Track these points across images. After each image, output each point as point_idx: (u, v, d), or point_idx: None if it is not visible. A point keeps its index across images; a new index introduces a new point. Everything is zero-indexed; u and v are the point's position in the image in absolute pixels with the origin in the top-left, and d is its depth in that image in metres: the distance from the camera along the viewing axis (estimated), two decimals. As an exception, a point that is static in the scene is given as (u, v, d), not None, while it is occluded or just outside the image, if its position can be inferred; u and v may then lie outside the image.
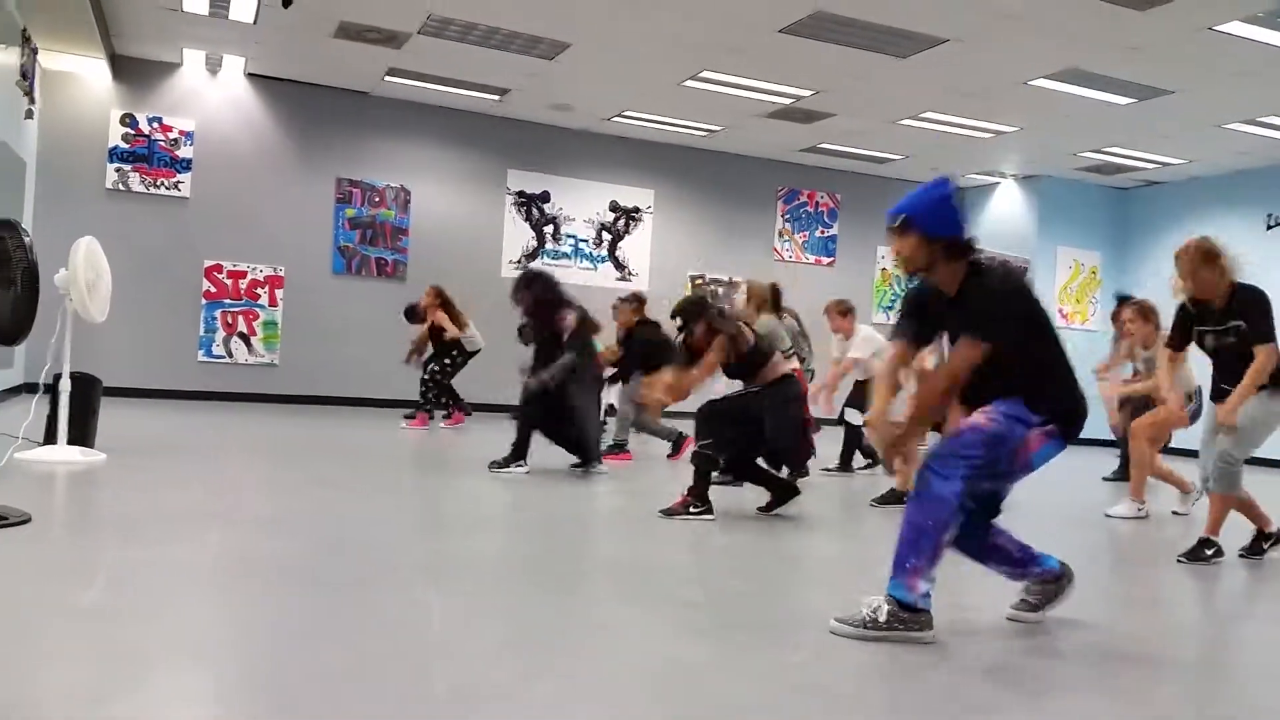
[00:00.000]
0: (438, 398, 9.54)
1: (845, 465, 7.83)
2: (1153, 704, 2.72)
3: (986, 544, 3.31)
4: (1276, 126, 10.20)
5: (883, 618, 2.96)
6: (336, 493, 5.31)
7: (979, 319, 3.08)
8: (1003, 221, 13.90)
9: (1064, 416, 3.13)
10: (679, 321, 5.49)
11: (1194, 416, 6.26)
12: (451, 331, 9.39)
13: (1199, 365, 5.39)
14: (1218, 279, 4.53)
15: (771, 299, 7.12)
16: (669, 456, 7.92)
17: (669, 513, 5.12)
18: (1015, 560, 3.33)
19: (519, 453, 6.47)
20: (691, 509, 5.13)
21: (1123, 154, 11.93)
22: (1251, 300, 4.52)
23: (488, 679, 2.45)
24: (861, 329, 7.74)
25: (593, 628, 3.06)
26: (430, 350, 9.66)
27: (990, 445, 3.02)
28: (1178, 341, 4.85)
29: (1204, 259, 4.52)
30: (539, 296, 6.72)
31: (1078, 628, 3.33)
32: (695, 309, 5.48)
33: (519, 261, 12.17)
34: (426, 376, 9.49)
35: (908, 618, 2.96)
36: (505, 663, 2.59)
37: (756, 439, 5.31)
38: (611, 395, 8.38)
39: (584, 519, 5.31)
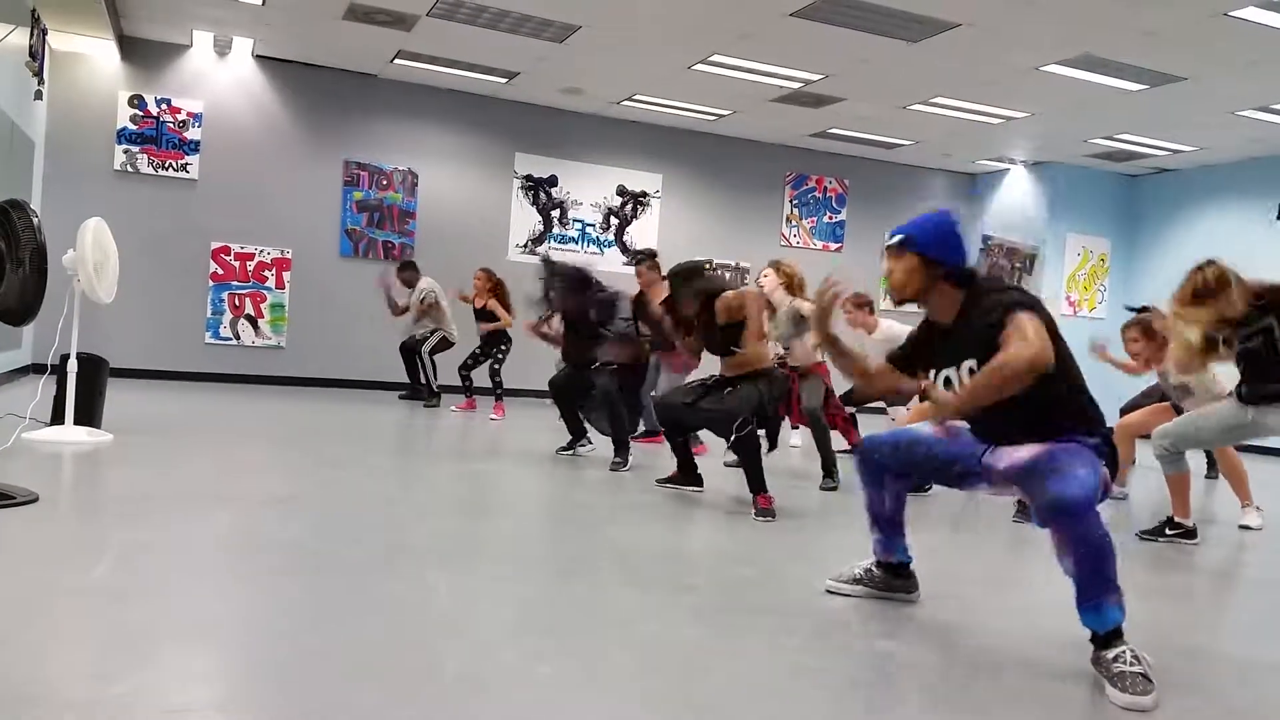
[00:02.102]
0: (468, 380, 9.57)
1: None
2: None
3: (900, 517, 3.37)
4: (1290, 114, 10.13)
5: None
6: (343, 475, 5.33)
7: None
8: (1012, 208, 13.86)
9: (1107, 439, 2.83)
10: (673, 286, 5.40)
11: None
12: (504, 319, 9.29)
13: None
14: (1238, 293, 4.39)
15: (797, 287, 6.70)
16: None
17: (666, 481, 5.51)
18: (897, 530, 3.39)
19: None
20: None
21: (1134, 141, 11.85)
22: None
23: (494, 661, 2.46)
24: (884, 323, 7.25)
25: (598, 611, 3.07)
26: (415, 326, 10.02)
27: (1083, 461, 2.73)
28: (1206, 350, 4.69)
29: (1222, 283, 4.39)
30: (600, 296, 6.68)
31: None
32: (691, 276, 5.27)
33: (525, 245, 12.16)
34: (497, 366, 9.38)
35: None
36: (512, 646, 2.60)
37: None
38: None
39: (590, 504, 5.31)
